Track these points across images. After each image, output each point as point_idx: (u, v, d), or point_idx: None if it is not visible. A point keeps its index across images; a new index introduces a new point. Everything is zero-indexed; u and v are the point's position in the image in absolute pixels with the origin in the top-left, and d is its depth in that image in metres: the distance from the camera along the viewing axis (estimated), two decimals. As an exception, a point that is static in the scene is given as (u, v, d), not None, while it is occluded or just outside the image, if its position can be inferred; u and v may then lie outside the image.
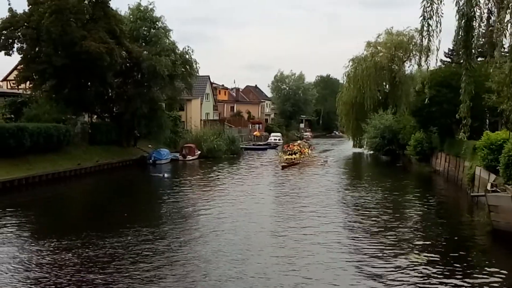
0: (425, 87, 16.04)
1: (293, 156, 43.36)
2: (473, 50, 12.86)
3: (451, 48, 52.42)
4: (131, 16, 43.76)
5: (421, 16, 12.73)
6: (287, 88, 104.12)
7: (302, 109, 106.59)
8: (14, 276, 12.40)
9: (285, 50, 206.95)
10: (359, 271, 12.83)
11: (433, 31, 12.66)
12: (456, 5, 12.28)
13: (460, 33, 12.32)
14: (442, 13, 12.50)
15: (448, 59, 54.71)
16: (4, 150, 28.15)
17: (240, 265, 13.36)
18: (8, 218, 19.74)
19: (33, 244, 15.63)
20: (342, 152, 59.80)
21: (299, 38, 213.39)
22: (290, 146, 48.38)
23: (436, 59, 14.12)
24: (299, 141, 54.02)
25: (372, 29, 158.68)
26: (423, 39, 13.02)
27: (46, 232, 17.74)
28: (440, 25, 12.59)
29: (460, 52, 13.11)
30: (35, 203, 24.35)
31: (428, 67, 14.57)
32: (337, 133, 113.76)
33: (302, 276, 12.49)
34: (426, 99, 17.47)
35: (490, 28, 12.50)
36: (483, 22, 12.39)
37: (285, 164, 40.06)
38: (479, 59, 22.80)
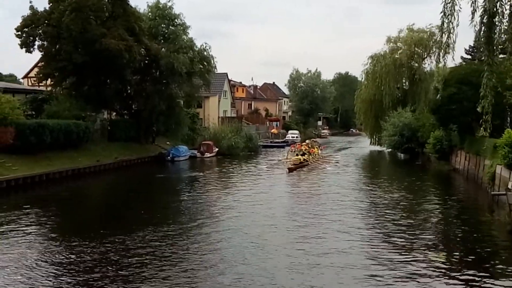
0: (439, 84, 15.82)
1: (301, 157, 39.68)
2: (495, 47, 12.68)
3: (472, 45, 51.84)
4: (149, 14, 44.00)
5: (441, 12, 12.59)
6: (304, 86, 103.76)
7: (320, 107, 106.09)
8: (31, 272, 12.53)
9: (303, 46, 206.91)
10: (377, 270, 12.73)
11: (453, 28, 12.49)
12: (474, 3, 12.12)
13: (482, 29, 12.13)
14: (460, 8, 12.31)
15: (469, 56, 54.07)
16: (25, 146, 28.59)
17: (254, 264, 13.40)
18: (28, 213, 20.02)
19: (51, 241, 15.81)
20: (360, 150, 59.46)
21: (318, 35, 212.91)
22: (298, 146, 44.19)
23: (453, 56, 14.07)
24: (307, 141, 48.97)
25: (393, 26, 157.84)
26: (443, 35, 12.86)
27: (64, 228, 18.05)
28: (458, 20, 12.44)
29: (482, 48, 12.92)
30: (54, 199, 24.63)
31: (445, 63, 14.42)
32: (354, 130, 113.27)
33: (318, 274, 12.46)
34: (438, 95, 17.29)
35: None
36: (504, 18, 12.20)
37: (292, 166, 36.42)
38: (500, 56, 22.48)
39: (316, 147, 45.79)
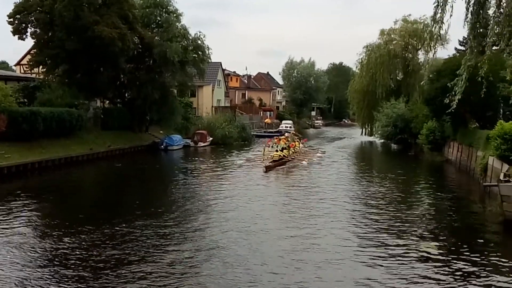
0: (429, 74, 15.89)
1: (280, 152, 34.44)
2: (480, 30, 12.73)
3: (466, 36, 51.80)
4: (142, 1, 43.61)
5: (434, 2, 12.55)
6: (298, 76, 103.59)
7: (314, 97, 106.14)
8: (20, 260, 12.53)
9: (298, 36, 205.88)
10: (369, 260, 12.81)
11: (448, 14, 12.41)
12: None
13: (470, 10, 12.14)
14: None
15: (463, 48, 54.04)
16: (18, 134, 28.45)
17: (247, 256, 13.46)
18: (21, 201, 19.95)
19: (43, 229, 15.83)
20: (352, 141, 59.62)
21: (313, 24, 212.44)
22: (276, 140, 37.94)
23: (434, 47, 14.10)
24: (286, 134, 43.81)
25: (389, 16, 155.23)
26: (435, 25, 12.77)
27: (56, 217, 17.92)
28: (451, 11, 12.38)
29: (468, 33, 12.93)
30: (47, 187, 24.52)
31: (434, 52, 14.47)
32: (346, 121, 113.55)
33: (311, 267, 12.51)
34: (423, 82, 17.31)
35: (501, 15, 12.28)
36: (492, 7, 12.22)
37: (270, 164, 31.17)
38: (494, 48, 22.46)
39: (297, 141, 40.80)
